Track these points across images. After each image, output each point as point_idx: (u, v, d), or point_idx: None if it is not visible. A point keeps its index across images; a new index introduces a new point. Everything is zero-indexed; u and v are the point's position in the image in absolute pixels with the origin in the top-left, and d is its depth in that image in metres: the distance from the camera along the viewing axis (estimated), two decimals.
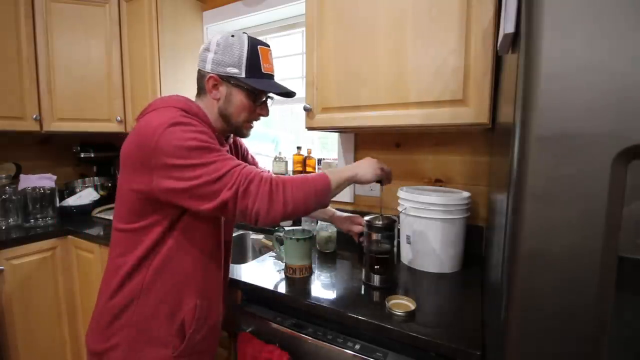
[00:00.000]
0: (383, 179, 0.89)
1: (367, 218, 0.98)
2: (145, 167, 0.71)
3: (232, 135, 0.97)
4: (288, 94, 0.88)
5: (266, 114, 0.89)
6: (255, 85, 0.81)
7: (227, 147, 0.93)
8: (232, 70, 0.81)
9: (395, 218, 0.98)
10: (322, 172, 0.80)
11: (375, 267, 0.94)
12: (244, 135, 0.90)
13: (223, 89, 0.83)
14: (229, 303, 1.03)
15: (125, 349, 0.77)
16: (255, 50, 0.82)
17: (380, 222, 0.94)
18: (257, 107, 0.87)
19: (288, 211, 0.72)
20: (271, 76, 0.87)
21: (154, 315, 0.77)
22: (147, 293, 0.77)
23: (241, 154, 1.09)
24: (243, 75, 0.81)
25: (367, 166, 0.86)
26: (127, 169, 0.75)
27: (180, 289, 0.79)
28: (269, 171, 0.79)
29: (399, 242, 1.12)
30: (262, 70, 0.83)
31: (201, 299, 0.82)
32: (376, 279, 0.95)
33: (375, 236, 0.95)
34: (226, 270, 0.98)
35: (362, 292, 0.92)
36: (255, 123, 0.91)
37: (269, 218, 0.71)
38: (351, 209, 1.46)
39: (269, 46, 0.87)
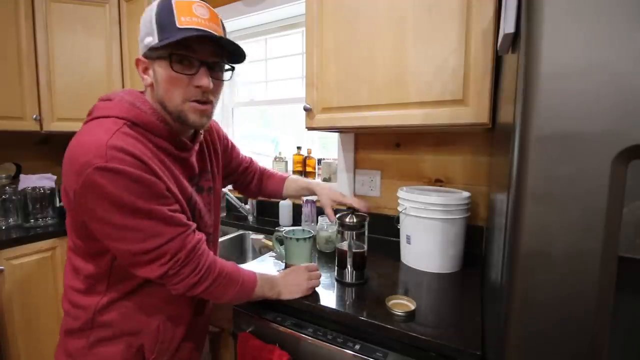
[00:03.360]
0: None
1: (338, 216, 0.98)
2: (71, 202, 0.62)
3: (201, 132, 0.80)
4: (213, 39, 0.64)
5: (205, 83, 0.65)
6: (166, 42, 0.60)
7: (193, 151, 0.76)
8: (148, 40, 0.63)
9: (366, 215, 0.98)
10: (255, 279, 0.79)
11: (348, 265, 0.95)
12: (193, 123, 0.68)
13: (151, 70, 0.66)
14: (219, 306, 1.04)
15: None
16: (168, 4, 0.62)
17: (352, 220, 0.94)
18: (191, 78, 0.65)
19: (203, 296, 0.72)
20: (196, 30, 0.62)
21: (108, 336, 0.71)
22: (102, 314, 0.70)
23: (221, 149, 0.92)
24: (156, 41, 0.62)
25: (295, 287, 0.86)
26: None
27: (140, 310, 0.72)
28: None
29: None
30: (177, 25, 0.61)
31: (164, 320, 0.75)
32: (348, 276, 0.96)
33: (346, 234, 0.96)
34: None
35: (361, 291, 0.92)
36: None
37: (183, 293, 0.69)
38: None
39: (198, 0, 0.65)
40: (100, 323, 0.70)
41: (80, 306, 0.71)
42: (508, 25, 0.47)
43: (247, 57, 0.72)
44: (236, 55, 0.70)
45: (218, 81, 0.70)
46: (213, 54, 0.67)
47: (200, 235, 0.71)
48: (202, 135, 0.81)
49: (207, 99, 0.68)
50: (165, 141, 0.68)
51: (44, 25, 1.63)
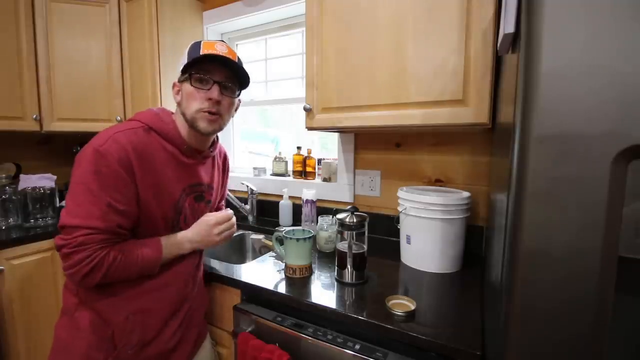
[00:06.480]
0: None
1: (338, 216, 0.98)
2: None
3: (217, 149, 0.97)
4: (225, 62, 0.81)
5: (215, 95, 0.81)
6: (190, 60, 0.79)
7: (200, 162, 0.90)
8: (180, 68, 0.83)
9: (366, 215, 0.98)
10: (159, 249, 0.82)
11: (348, 265, 0.96)
12: (200, 129, 0.83)
13: (181, 90, 0.85)
14: (220, 305, 1.04)
15: (62, 343, 0.80)
16: (197, 43, 0.83)
17: (352, 220, 0.95)
18: (205, 92, 0.81)
19: (102, 283, 0.75)
20: (211, 55, 0.81)
21: (87, 319, 0.79)
22: (81, 302, 0.80)
23: (225, 175, 1.08)
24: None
25: (205, 238, 0.90)
26: None
27: (112, 299, 0.79)
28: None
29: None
30: (200, 53, 0.80)
31: (134, 313, 0.80)
32: (348, 276, 0.96)
33: (346, 234, 0.96)
34: (182, 287, 0.90)
35: (361, 291, 0.92)
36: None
37: (81, 285, 0.76)
38: None
39: (220, 41, 0.86)
40: (84, 297, 0.80)
41: (67, 288, 0.83)
42: (508, 25, 0.47)
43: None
44: (244, 81, 0.88)
45: (228, 98, 0.85)
46: (225, 77, 0.83)
47: (113, 255, 0.74)
48: (212, 153, 0.95)
49: (217, 111, 0.83)
50: (174, 147, 0.84)
51: (44, 25, 1.63)
